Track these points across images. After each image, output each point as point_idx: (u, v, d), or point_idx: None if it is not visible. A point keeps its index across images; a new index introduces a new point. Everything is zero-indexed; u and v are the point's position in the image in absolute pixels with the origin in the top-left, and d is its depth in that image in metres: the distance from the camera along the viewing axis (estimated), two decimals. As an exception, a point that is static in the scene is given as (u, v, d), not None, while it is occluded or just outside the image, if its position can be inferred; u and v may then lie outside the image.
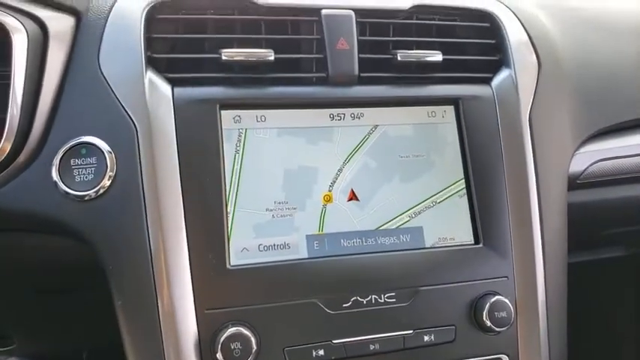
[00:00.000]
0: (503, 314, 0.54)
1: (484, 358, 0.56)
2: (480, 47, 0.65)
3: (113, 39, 0.55)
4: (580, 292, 0.72)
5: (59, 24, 0.55)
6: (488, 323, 0.54)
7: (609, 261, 0.95)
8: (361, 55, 0.58)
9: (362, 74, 0.58)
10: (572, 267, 0.64)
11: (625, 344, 1.05)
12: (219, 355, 0.48)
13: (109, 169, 0.51)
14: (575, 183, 0.67)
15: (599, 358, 1.07)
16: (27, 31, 0.52)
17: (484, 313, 0.54)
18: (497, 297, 0.55)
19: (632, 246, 0.93)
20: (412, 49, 0.61)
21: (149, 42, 0.55)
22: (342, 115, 0.57)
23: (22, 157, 0.52)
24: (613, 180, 0.69)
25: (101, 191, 0.51)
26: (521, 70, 0.63)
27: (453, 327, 0.55)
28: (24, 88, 0.51)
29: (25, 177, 0.52)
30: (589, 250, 0.91)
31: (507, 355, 0.57)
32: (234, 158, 0.54)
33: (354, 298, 0.53)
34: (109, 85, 0.53)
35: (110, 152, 0.51)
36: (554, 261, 0.61)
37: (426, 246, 0.57)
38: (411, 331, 0.54)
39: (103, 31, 0.55)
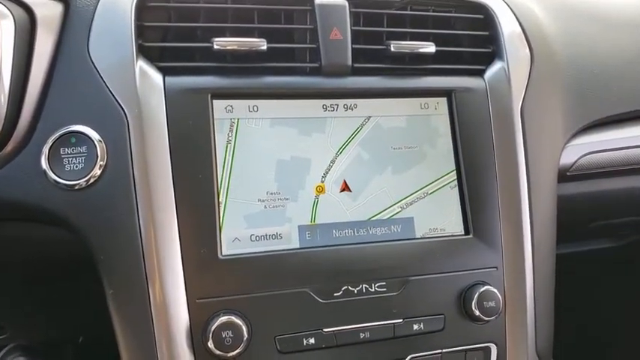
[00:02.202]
0: (492, 304, 0.55)
1: (472, 347, 0.57)
2: (474, 39, 0.65)
3: (103, 26, 0.54)
4: (567, 283, 0.73)
5: (47, 10, 0.54)
6: (477, 313, 0.55)
7: (597, 252, 0.96)
8: (354, 46, 0.58)
9: (355, 65, 0.58)
10: (560, 258, 0.65)
11: (612, 334, 1.07)
12: (210, 343, 0.49)
13: (99, 159, 0.50)
14: (565, 175, 0.67)
15: (585, 348, 1.09)
16: (14, 17, 0.51)
17: (473, 303, 0.55)
18: (486, 287, 0.56)
19: (619, 238, 0.95)
20: (406, 40, 0.61)
21: (140, 30, 0.54)
22: (335, 106, 0.57)
23: (10, 146, 0.51)
24: (603, 172, 0.70)
25: (92, 180, 0.50)
26: (514, 63, 0.63)
27: (443, 316, 0.56)
28: (11, 75, 0.50)
29: (14, 166, 0.51)
30: (577, 241, 0.92)
31: (495, 344, 0.58)
32: (226, 148, 0.53)
33: (345, 287, 0.54)
34: (98, 73, 0.52)
35: (100, 141, 0.51)
36: (542, 252, 0.61)
37: (417, 236, 0.57)
38: (400, 320, 0.54)
39: (93, 19, 0.54)
